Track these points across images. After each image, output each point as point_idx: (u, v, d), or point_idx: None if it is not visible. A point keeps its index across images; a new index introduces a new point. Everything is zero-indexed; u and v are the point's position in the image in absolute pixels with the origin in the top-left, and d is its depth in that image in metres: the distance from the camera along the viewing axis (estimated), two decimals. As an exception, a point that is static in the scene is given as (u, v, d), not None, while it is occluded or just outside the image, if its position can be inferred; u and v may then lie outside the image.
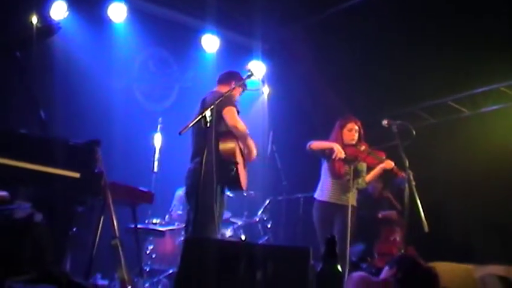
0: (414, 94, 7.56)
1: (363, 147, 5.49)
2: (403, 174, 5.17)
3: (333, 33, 7.62)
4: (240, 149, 4.73)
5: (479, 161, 6.96)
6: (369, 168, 5.62)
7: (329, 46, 7.78)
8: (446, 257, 3.98)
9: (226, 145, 4.64)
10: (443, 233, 6.78)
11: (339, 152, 5.36)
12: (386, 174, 5.83)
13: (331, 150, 5.38)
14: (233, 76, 4.96)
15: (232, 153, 4.62)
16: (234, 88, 4.71)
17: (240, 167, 4.65)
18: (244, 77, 4.58)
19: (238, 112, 4.65)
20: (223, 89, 4.80)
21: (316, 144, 5.54)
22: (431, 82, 7.11)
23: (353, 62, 7.57)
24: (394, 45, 6.87)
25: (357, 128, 5.53)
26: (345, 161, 5.45)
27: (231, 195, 6.74)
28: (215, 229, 4.48)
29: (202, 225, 4.43)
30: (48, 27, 5.38)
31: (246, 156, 4.88)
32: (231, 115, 4.60)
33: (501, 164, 6.70)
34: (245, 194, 6.65)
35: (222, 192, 4.71)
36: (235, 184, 4.71)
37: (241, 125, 4.63)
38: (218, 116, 4.56)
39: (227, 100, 4.57)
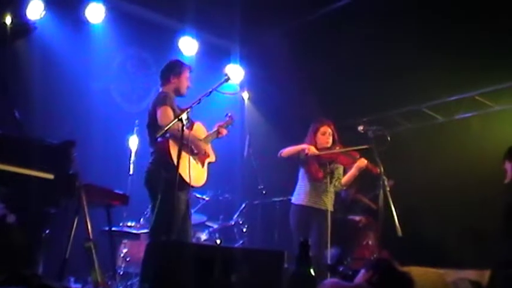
0: (390, 100, 7.65)
1: (337, 148, 5.54)
2: (377, 169, 5.20)
3: (311, 38, 7.68)
4: (188, 146, 4.54)
5: (453, 167, 7.07)
6: (345, 172, 5.66)
7: (307, 51, 7.83)
8: (420, 262, 4.03)
9: (159, 145, 4.61)
10: (417, 237, 6.86)
11: (309, 149, 5.42)
12: (362, 180, 5.90)
13: (303, 151, 5.43)
14: (170, 70, 4.97)
15: (164, 152, 4.55)
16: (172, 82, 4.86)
17: (184, 163, 4.38)
18: (221, 81, 4.58)
19: (187, 108, 4.45)
20: (166, 88, 4.88)
21: (286, 151, 5.59)
22: (406, 89, 7.20)
23: (331, 67, 7.62)
24: (370, 52, 6.94)
25: (330, 131, 5.57)
26: (321, 164, 5.48)
27: (206, 198, 6.76)
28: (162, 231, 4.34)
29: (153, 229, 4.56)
30: (24, 27, 5.33)
31: (197, 153, 4.81)
32: (159, 115, 4.57)
33: (474, 169, 6.80)
34: (200, 196, 6.65)
35: (168, 190, 4.44)
36: (178, 182, 4.30)
37: (168, 122, 4.40)
38: (154, 117, 4.62)
39: (159, 100, 4.67)
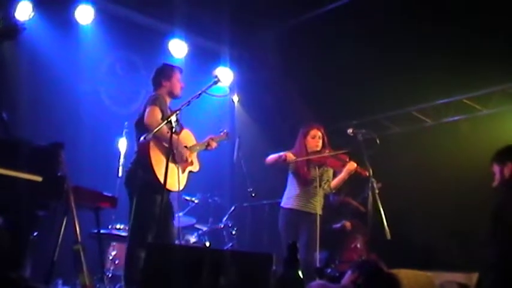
0: (379, 103, 7.68)
1: (326, 152, 5.54)
2: (367, 173, 5.22)
3: (300, 41, 7.69)
4: (170, 149, 4.44)
5: (442, 170, 7.11)
6: (335, 176, 5.67)
7: (296, 54, 7.85)
8: (408, 265, 4.04)
9: (141, 146, 4.59)
10: (406, 240, 6.89)
11: (286, 155, 5.44)
12: (351, 183, 5.90)
13: (283, 158, 5.45)
14: (160, 74, 4.96)
15: (144, 153, 4.54)
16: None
17: (167, 166, 4.28)
18: (210, 83, 4.58)
19: (175, 111, 4.47)
20: (159, 91, 4.88)
21: (269, 159, 5.62)
22: (396, 92, 7.23)
23: (321, 70, 7.64)
24: (359, 55, 6.97)
25: (320, 134, 5.58)
26: (310, 167, 5.49)
27: (195, 200, 6.74)
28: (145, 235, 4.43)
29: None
30: (12, 28, 5.30)
31: (178, 156, 4.73)
32: (146, 114, 4.57)
33: (462, 172, 6.84)
34: (188, 199, 6.63)
35: (143, 193, 4.54)
36: (154, 185, 4.44)
37: (153, 121, 4.46)
38: (142, 116, 4.62)
39: (150, 100, 4.68)
